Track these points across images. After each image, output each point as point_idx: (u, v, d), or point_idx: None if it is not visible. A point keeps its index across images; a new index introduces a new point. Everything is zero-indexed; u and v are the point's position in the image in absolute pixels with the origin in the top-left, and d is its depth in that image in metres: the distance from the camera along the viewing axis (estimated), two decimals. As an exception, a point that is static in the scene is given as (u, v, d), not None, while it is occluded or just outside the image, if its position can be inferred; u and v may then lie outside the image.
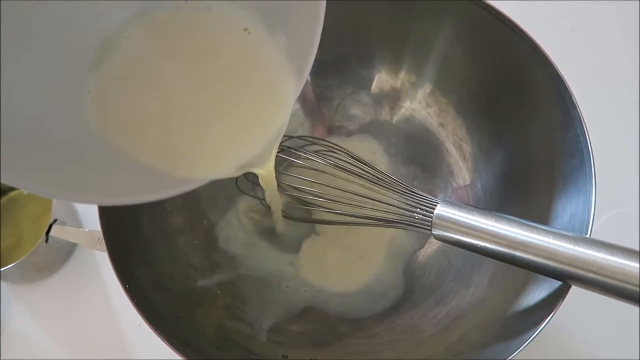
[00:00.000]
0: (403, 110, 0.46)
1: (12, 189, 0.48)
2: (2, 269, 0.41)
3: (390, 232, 0.44)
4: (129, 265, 0.33)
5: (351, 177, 0.39)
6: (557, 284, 0.31)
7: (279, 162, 0.45)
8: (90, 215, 0.49)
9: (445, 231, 0.33)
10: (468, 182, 0.43)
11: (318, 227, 0.44)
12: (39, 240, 0.42)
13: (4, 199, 0.48)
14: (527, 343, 0.29)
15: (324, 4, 0.27)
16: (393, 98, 0.46)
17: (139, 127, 0.30)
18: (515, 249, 0.30)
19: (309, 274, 0.43)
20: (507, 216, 0.31)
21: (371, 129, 0.47)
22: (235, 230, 0.44)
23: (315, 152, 0.43)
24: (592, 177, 0.32)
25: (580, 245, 0.28)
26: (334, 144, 0.43)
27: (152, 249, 0.39)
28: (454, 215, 0.33)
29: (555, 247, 0.28)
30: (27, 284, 0.47)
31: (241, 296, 0.41)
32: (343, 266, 0.44)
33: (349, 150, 0.42)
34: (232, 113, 0.31)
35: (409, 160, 0.46)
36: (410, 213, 0.35)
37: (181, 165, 0.29)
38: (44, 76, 0.28)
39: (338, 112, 0.47)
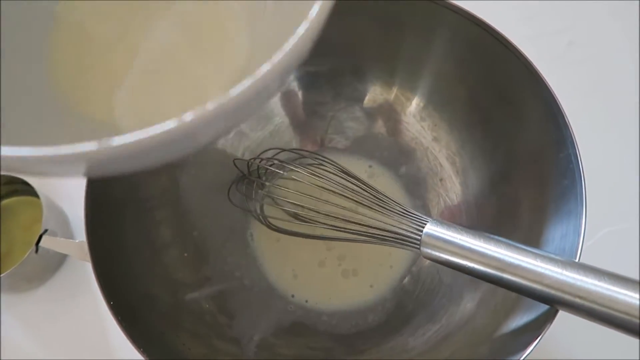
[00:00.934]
0: (396, 124, 0.46)
1: (4, 197, 0.48)
2: (-10, 279, 0.41)
3: (380, 247, 0.43)
4: (115, 280, 0.33)
5: (341, 192, 0.39)
6: (546, 306, 0.30)
7: (271, 174, 0.45)
8: (81, 226, 0.48)
9: (434, 250, 0.32)
10: (461, 197, 0.43)
11: (310, 242, 0.44)
12: (29, 251, 0.42)
13: (-5, 207, 0.48)
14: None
15: None
16: (387, 112, 0.46)
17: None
18: (503, 271, 0.29)
19: (299, 288, 0.43)
20: (496, 237, 0.31)
21: (364, 142, 0.47)
22: (227, 242, 0.44)
23: (307, 165, 0.43)
24: (582, 200, 0.32)
25: (569, 270, 0.28)
26: (326, 158, 0.43)
27: (139, 262, 0.38)
28: (442, 235, 0.32)
29: (542, 271, 0.28)
30: (16, 294, 0.47)
31: (230, 310, 0.41)
32: (333, 281, 0.43)
33: (340, 164, 0.42)
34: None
35: (402, 174, 0.46)
36: (400, 230, 0.35)
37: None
38: None
39: (331, 125, 0.47)
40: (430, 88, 0.43)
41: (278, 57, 0.17)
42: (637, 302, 0.25)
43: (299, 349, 0.40)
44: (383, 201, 0.37)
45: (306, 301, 0.43)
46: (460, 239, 0.31)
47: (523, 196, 0.38)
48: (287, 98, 0.46)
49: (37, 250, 0.42)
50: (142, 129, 0.16)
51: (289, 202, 0.42)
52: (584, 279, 0.27)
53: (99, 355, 0.45)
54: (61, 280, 0.47)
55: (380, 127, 0.47)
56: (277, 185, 0.44)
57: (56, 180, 0.50)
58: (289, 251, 0.44)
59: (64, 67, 0.27)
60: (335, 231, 0.38)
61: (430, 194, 0.45)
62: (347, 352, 0.40)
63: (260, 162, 0.44)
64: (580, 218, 0.32)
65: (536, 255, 0.29)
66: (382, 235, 0.36)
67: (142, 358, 0.30)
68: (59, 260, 0.47)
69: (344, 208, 0.38)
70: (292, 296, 0.43)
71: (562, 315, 0.29)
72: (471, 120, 0.42)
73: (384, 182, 0.46)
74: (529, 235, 0.36)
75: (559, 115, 0.34)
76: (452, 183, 0.44)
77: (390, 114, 0.46)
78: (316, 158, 0.44)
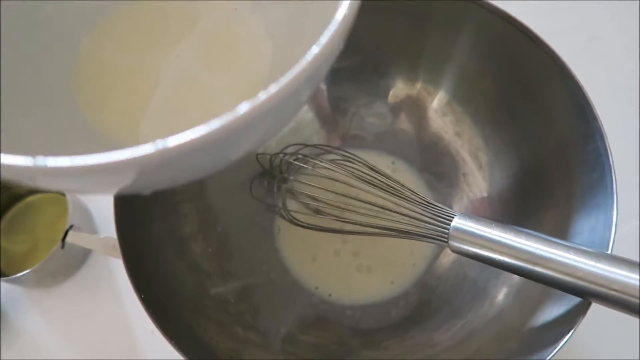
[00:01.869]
0: (419, 119, 0.46)
1: (28, 194, 0.49)
2: (18, 275, 0.42)
3: (405, 242, 0.43)
4: (144, 274, 0.34)
5: (366, 187, 0.39)
6: (577, 299, 0.30)
7: (294, 170, 0.45)
8: (104, 221, 0.49)
9: (463, 244, 0.32)
10: (484, 193, 0.43)
11: (334, 236, 0.44)
12: (55, 247, 0.42)
13: (21, 204, 0.49)
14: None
15: None
16: (409, 107, 0.46)
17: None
18: (534, 264, 0.29)
19: (321, 279, 0.43)
20: (526, 230, 0.31)
21: (387, 138, 0.47)
22: (252, 236, 0.45)
23: (331, 160, 0.43)
24: (613, 192, 0.32)
25: (602, 262, 0.27)
26: (350, 153, 0.43)
27: (165, 257, 0.39)
28: (471, 228, 0.32)
29: (575, 264, 0.28)
30: (42, 289, 0.47)
31: (255, 304, 0.41)
32: (349, 273, 0.44)
33: (364, 159, 0.42)
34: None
35: (425, 169, 0.46)
36: (427, 224, 0.35)
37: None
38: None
39: (354, 121, 0.47)
40: (454, 83, 0.43)
41: (325, 38, 0.17)
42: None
43: (324, 343, 0.40)
44: (409, 195, 0.37)
45: (329, 295, 0.43)
46: (489, 232, 0.31)
47: (549, 190, 0.38)
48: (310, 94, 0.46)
49: (63, 246, 0.42)
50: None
51: (312, 196, 0.42)
52: (618, 271, 0.27)
53: (122, 349, 0.45)
54: (85, 275, 0.48)
55: (402, 122, 0.47)
56: (300, 180, 0.44)
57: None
58: (307, 239, 0.44)
59: (89, 96, 0.28)
60: (360, 226, 0.39)
61: (453, 189, 0.45)
62: (372, 347, 0.40)
63: (283, 157, 0.44)
64: (612, 210, 0.31)
65: (568, 248, 0.29)
66: (409, 230, 0.36)
67: (164, 352, 0.31)
68: (83, 256, 0.48)
69: (369, 203, 0.38)
70: (316, 288, 0.43)
71: (591, 311, 0.29)
72: (495, 115, 0.42)
73: (407, 178, 0.46)
74: (556, 229, 0.36)
75: (587, 108, 0.34)
76: (475, 178, 0.44)
77: (412, 109, 0.46)
78: (339, 153, 0.44)
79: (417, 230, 0.36)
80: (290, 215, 0.44)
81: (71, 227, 0.43)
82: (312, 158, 0.43)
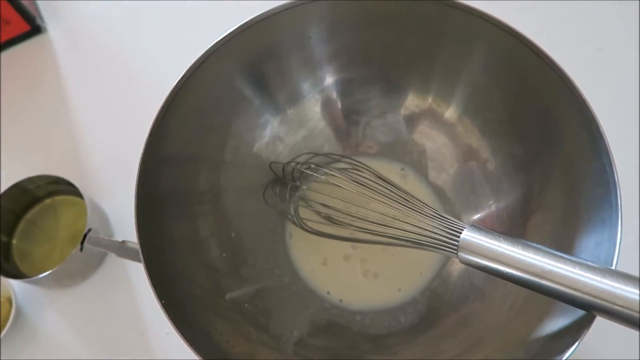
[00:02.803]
0: (429, 130, 0.47)
1: (47, 196, 0.50)
2: (39, 276, 0.43)
3: (411, 251, 0.45)
4: (163, 279, 0.35)
5: (376, 197, 0.40)
6: (582, 312, 0.31)
7: (305, 177, 0.46)
8: (120, 224, 0.50)
9: (472, 256, 0.33)
10: (492, 204, 0.44)
11: (346, 244, 0.45)
12: (74, 249, 0.44)
13: (40, 206, 0.50)
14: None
15: None
16: (420, 119, 0.47)
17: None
18: (541, 277, 0.30)
19: (331, 284, 0.45)
20: (534, 244, 0.31)
21: (396, 148, 0.48)
22: (265, 242, 0.46)
23: (342, 169, 0.44)
24: (618, 209, 0.33)
25: (607, 278, 0.28)
26: (361, 163, 0.44)
27: (182, 263, 0.40)
28: (480, 241, 0.33)
29: (581, 278, 0.29)
30: (60, 290, 0.49)
31: (268, 309, 0.42)
32: (357, 278, 0.45)
33: (374, 168, 0.43)
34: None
35: (433, 180, 0.47)
36: (436, 235, 0.36)
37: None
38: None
39: (365, 131, 0.48)
40: (465, 97, 0.44)
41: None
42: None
43: (335, 347, 0.41)
44: (419, 206, 0.38)
45: (340, 300, 0.44)
46: (498, 246, 0.32)
47: (555, 204, 0.39)
48: (323, 104, 0.47)
49: (82, 249, 0.43)
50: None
51: (323, 204, 0.43)
52: (622, 286, 0.28)
53: (137, 350, 0.47)
54: (102, 277, 0.49)
55: (412, 133, 0.48)
56: (311, 188, 0.45)
57: (97, 180, 0.52)
58: (318, 243, 0.45)
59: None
60: (371, 235, 0.40)
61: (461, 200, 0.46)
62: (381, 353, 0.41)
63: (295, 165, 0.45)
64: (616, 226, 0.32)
65: (574, 263, 0.30)
66: (418, 240, 0.37)
67: (179, 353, 0.32)
68: (100, 258, 0.49)
69: (379, 212, 0.39)
70: (328, 293, 0.44)
71: (597, 322, 0.30)
72: (504, 128, 0.43)
73: (416, 187, 0.47)
74: (562, 243, 0.36)
75: (594, 126, 0.35)
76: (482, 190, 0.45)
77: (423, 121, 0.47)
78: (350, 162, 0.45)
79: (427, 240, 0.37)
80: (302, 222, 0.45)
81: (90, 230, 0.44)
82: (323, 166, 0.44)
